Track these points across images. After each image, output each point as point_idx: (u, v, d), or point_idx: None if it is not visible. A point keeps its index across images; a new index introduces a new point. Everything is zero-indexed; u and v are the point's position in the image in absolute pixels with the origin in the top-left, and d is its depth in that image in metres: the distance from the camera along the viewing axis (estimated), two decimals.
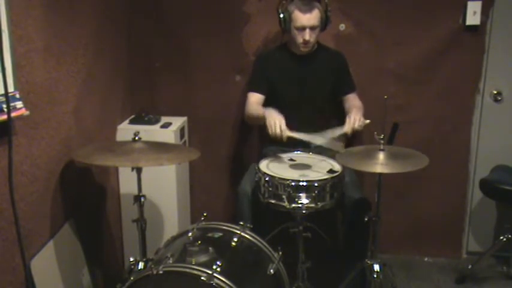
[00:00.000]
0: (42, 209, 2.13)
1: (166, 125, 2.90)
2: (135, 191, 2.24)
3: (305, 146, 2.59)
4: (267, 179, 2.25)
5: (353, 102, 2.76)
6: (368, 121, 2.47)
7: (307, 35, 2.54)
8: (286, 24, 2.60)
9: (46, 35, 2.09)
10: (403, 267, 3.10)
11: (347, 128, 2.44)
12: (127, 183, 2.87)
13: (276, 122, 2.36)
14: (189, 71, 3.10)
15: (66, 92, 2.29)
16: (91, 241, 2.55)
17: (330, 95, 2.81)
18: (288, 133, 2.37)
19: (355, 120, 2.44)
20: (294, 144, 2.58)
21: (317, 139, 2.41)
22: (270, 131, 2.39)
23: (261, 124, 2.63)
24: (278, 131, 2.35)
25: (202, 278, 1.75)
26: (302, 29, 2.55)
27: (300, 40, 2.58)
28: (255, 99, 2.71)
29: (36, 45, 2.01)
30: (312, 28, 2.55)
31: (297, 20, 2.54)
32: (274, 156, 2.50)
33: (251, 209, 2.46)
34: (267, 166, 2.36)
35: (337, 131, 2.42)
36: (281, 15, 2.60)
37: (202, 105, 3.14)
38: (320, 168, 2.34)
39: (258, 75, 2.76)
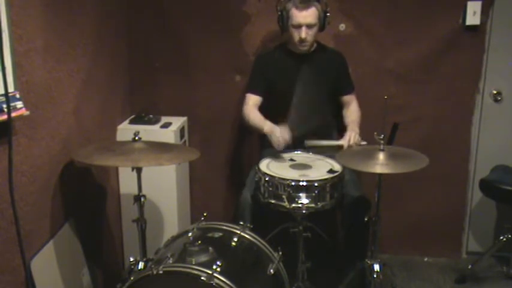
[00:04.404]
0: (42, 209, 2.13)
1: (166, 125, 2.90)
2: (135, 191, 2.24)
3: (305, 147, 2.59)
4: (267, 179, 2.25)
5: (351, 109, 2.80)
6: (364, 142, 2.54)
7: (303, 33, 2.54)
8: (284, 23, 2.61)
9: (46, 35, 2.09)
10: (403, 267, 3.10)
11: (343, 143, 2.51)
12: (127, 183, 2.87)
13: (280, 140, 2.44)
14: (189, 71, 3.10)
15: (66, 92, 2.29)
16: (91, 241, 2.55)
17: (329, 95, 2.81)
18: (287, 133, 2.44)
19: (350, 138, 2.53)
20: (293, 145, 2.59)
21: (310, 142, 2.53)
22: (276, 146, 2.47)
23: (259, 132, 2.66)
24: (282, 140, 2.44)
25: (202, 278, 1.75)
26: (298, 26, 2.55)
27: (296, 38, 2.58)
28: (253, 101, 2.71)
29: (36, 45, 2.01)
30: (309, 26, 2.55)
31: (294, 18, 2.54)
32: (274, 156, 2.50)
33: (251, 214, 2.46)
34: (267, 166, 2.36)
35: (333, 142, 2.52)
36: (279, 13, 2.61)
37: (202, 105, 3.14)
38: (320, 168, 2.34)
39: (257, 75, 2.76)
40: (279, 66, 2.73)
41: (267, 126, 2.53)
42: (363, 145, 2.52)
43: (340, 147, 2.49)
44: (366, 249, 2.48)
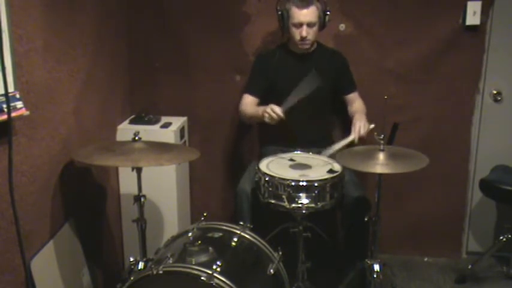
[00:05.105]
0: (42, 209, 2.13)
1: (166, 125, 2.90)
2: (135, 191, 2.24)
3: (305, 147, 2.59)
4: (267, 179, 2.25)
5: (355, 105, 2.81)
6: (372, 125, 2.51)
7: (304, 32, 2.55)
8: (284, 22, 2.61)
9: (46, 35, 2.09)
10: (403, 267, 3.10)
11: (353, 136, 2.48)
12: (127, 183, 2.87)
13: (269, 110, 2.40)
14: (189, 71, 3.10)
15: (66, 92, 2.29)
16: (91, 241, 2.55)
17: (330, 95, 2.81)
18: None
19: (359, 127, 2.50)
20: (293, 145, 2.59)
21: (326, 152, 2.48)
22: (269, 120, 2.43)
23: (258, 122, 2.64)
24: (274, 115, 2.40)
25: (202, 278, 1.75)
26: (299, 25, 2.56)
27: (297, 37, 2.59)
28: (249, 101, 2.72)
29: (36, 45, 2.01)
30: (309, 25, 2.56)
31: (294, 17, 2.55)
32: (274, 156, 2.50)
33: (250, 208, 2.46)
34: (267, 166, 2.36)
35: (344, 141, 2.48)
36: (279, 13, 2.61)
37: (202, 105, 3.14)
38: (320, 168, 2.34)
39: (257, 76, 2.77)
40: (279, 66, 2.74)
41: (261, 109, 2.52)
42: (372, 128, 2.50)
43: (352, 141, 2.48)
44: (366, 249, 2.48)
